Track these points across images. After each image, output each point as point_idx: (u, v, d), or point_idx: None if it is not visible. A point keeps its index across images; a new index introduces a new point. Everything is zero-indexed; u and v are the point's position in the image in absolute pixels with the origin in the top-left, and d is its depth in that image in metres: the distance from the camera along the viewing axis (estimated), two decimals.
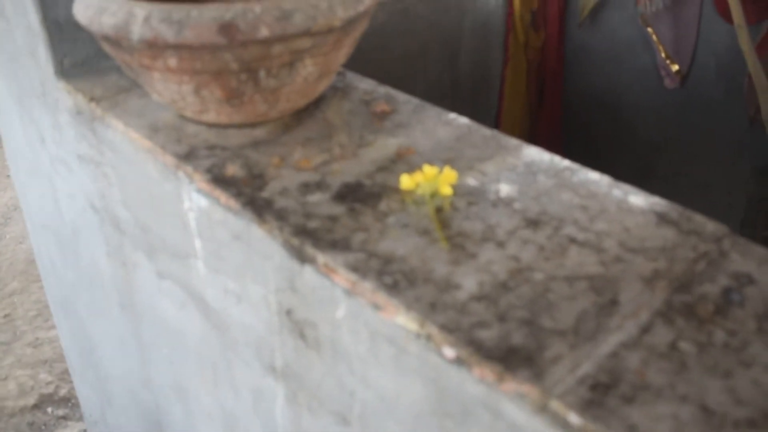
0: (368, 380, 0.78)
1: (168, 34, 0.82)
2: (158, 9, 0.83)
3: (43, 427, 2.21)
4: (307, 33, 0.85)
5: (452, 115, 0.99)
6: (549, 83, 2.33)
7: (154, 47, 0.84)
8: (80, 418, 2.22)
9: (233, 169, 0.88)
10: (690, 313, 0.64)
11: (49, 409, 2.26)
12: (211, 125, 0.98)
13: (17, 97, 1.30)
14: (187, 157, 0.91)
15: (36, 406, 2.26)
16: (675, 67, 2.01)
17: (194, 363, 1.14)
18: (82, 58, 1.13)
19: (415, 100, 1.03)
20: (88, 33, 1.10)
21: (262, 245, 0.82)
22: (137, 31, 0.83)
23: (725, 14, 1.82)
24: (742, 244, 0.72)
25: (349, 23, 0.90)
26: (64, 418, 2.23)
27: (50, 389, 2.33)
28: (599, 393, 0.55)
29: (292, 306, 0.83)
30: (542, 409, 0.56)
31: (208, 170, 0.88)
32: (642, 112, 2.33)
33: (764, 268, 0.68)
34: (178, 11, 0.82)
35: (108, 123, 1.03)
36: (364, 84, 1.09)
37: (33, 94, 1.23)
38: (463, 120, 0.97)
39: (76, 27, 1.11)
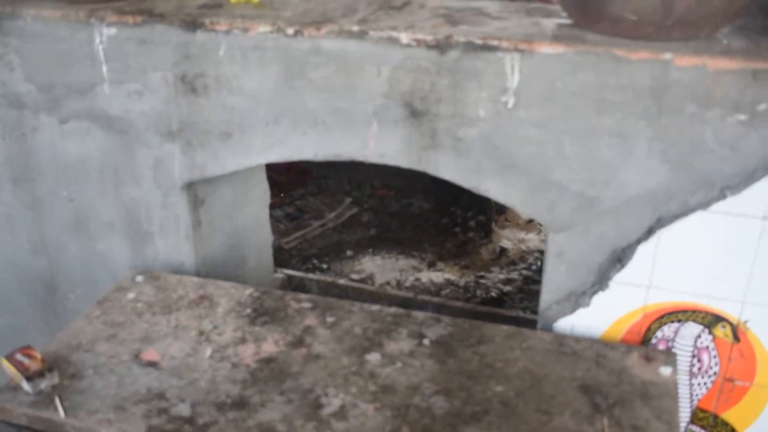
0: (242, 91, 1.48)
1: None
2: None
3: None
4: None
5: None
6: None
7: None
8: None
9: (127, 9, 1.53)
10: None
11: None
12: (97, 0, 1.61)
13: None
14: (94, 10, 1.54)
15: None
16: None
17: (95, 181, 1.71)
18: None
19: None
20: None
21: (163, 36, 1.49)
22: None
23: None
24: None
25: None
26: None
27: None
28: None
29: (185, 71, 1.51)
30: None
31: (113, 12, 1.52)
32: None
33: None
34: None
35: (17, 15, 1.60)
36: None
37: None
38: None
39: None
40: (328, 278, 2.13)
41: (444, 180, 1.43)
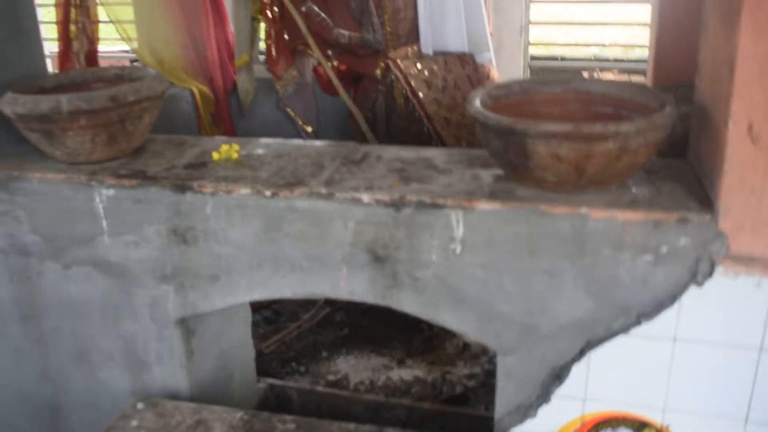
0: (227, 241, 1.71)
1: (82, 105, 1.71)
2: (75, 95, 1.72)
3: None
4: (149, 98, 1.80)
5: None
6: None
7: (74, 114, 1.72)
8: None
9: (122, 172, 1.77)
10: None
11: None
12: (94, 162, 1.84)
13: None
14: (93, 173, 1.77)
15: None
16: (309, 128, 3.15)
17: (97, 318, 1.92)
18: None
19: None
20: None
21: (157, 196, 1.72)
22: (65, 108, 1.70)
23: (327, 90, 3.01)
24: None
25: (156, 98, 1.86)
26: None
27: None
28: None
29: (177, 225, 1.74)
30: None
31: (110, 175, 1.76)
32: None
33: None
34: (88, 94, 1.72)
35: (25, 177, 1.83)
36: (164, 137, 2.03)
37: None
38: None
39: None
40: (307, 386, 2.33)
41: None
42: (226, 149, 1.82)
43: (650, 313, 1.50)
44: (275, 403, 2.35)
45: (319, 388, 2.35)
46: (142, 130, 1.89)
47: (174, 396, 1.91)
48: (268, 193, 1.64)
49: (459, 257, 1.56)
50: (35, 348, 2.04)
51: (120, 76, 2.06)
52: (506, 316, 1.58)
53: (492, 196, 1.54)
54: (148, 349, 1.91)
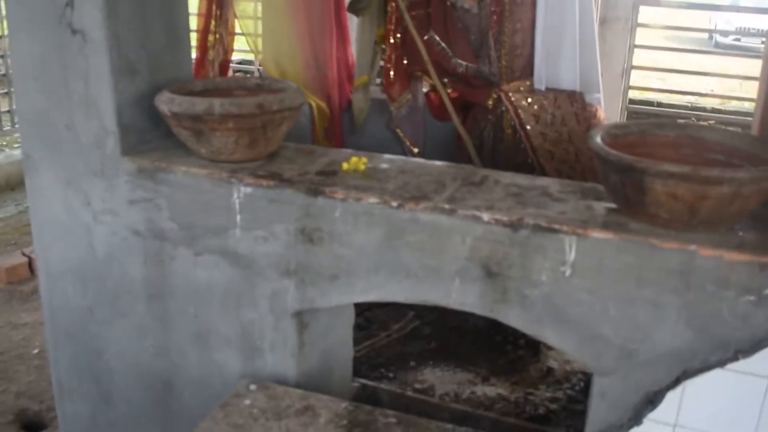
0: (351, 245, 1.87)
1: (233, 109, 1.90)
2: (226, 100, 1.90)
3: None
4: (290, 108, 1.98)
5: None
6: None
7: (224, 117, 1.90)
8: None
9: (260, 173, 1.94)
10: None
11: None
12: (233, 161, 2.02)
13: (65, 180, 2.18)
14: (234, 172, 1.96)
15: None
16: (415, 150, 3.30)
17: (217, 305, 2.09)
18: (134, 143, 2.11)
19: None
20: (137, 127, 2.09)
21: (290, 197, 1.89)
22: (218, 111, 1.89)
23: (437, 115, 3.17)
24: None
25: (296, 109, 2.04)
26: None
27: None
28: None
29: (305, 225, 1.90)
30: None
31: (249, 175, 1.94)
32: None
33: None
34: (238, 100, 1.91)
35: (170, 170, 2.02)
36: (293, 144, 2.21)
37: (86, 173, 2.15)
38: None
39: (131, 127, 2.09)
40: (397, 390, 2.47)
41: None
42: (356, 161, 1.99)
43: (748, 350, 1.59)
44: (366, 402, 2.48)
45: (409, 393, 2.48)
46: (279, 137, 2.07)
47: (281, 383, 2.07)
48: (394, 203, 1.79)
49: (568, 280, 1.68)
50: (158, 326, 2.23)
51: (260, 86, 2.25)
52: (607, 339, 1.69)
53: (605, 226, 1.65)
54: (264, 337, 2.07)
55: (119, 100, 2.08)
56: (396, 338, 3.01)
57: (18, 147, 5.99)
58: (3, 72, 5.98)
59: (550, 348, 2.84)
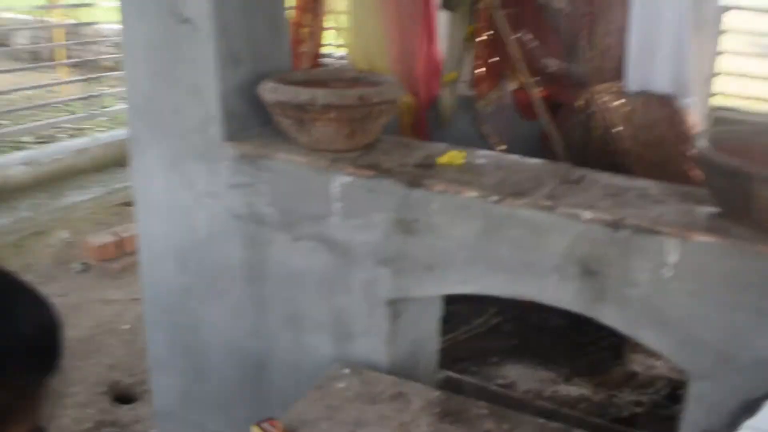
0: (448, 237, 1.90)
1: (334, 100, 1.95)
2: (329, 91, 1.96)
3: None
4: (389, 101, 2.02)
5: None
6: None
7: (327, 107, 1.96)
8: None
9: (360, 163, 1.99)
10: None
11: None
12: (332, 150, 2.08)
13: (169, 163, 2.28)
14: (334, 161, 2.01)
15: None
16: (502, 147, 3.31)
17: (312, 290, 2.15)
18: (236, 129, 2.19)
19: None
20: (239, 114, 2.17)
21: (389, 188, 1.93)
22: (320, 101, 1.95)
23: (524, 114, 3.18)
24: None
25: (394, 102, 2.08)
26: None
27: None
28: None
29: (403, 216, 1.94)
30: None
31: (349, 164, 1.99)
32: None
33: None
34: (340, 91, 1.96)
35: (271, 156, 2.09)
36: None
37: (190, 157, 2.24)
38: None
39: (233, 114, 2.17)
40: (482, 383, 2.50)
41: None
42: (453, 155, 2.02)
43: None
44: None
45: (493, 387, 2.51)
46: (377, 129, 2.12)
47: (372, 369, 2.12)
48: (494, 198, 1.81)
49: (667, 282, 1.67)
50: (253, 308, 2.31)
51: (357, 78, 2.30)
52: (705, 343, 1.68)
53: (709, 230, 1.64)
54: (357, 323, 2.13)
55: (224, 87, 2.16)
56: (477, 333, 3.03)
57: (102, 131, 6.21)
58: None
59: (634, 351, 2.82)
